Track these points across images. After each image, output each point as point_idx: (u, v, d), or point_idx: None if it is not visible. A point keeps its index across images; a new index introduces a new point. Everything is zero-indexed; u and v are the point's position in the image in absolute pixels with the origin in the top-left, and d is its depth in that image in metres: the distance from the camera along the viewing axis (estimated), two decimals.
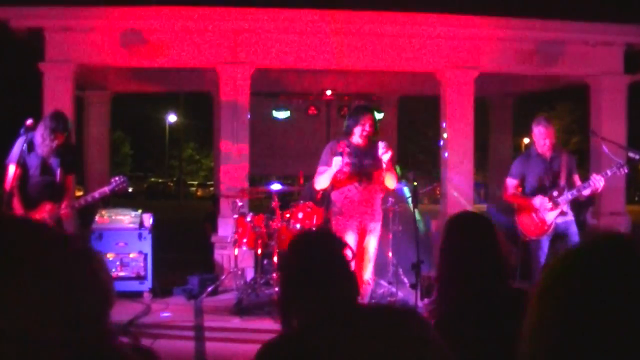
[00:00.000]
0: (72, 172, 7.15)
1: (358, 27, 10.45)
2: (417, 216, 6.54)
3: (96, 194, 6.97)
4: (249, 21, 10.29)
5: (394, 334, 2.25)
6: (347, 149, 6.75)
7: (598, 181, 7.03)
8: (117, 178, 7.08)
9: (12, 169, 6.59)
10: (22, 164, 6.64)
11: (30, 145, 6.72)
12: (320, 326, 2.26)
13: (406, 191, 9.40)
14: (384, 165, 6.74)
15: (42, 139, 6.70)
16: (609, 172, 7.08)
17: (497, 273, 3.03)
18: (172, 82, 14.18)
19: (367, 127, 6.83)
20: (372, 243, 6.89)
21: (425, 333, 2.29)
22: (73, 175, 7.28)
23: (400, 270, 9.20)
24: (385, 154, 6.66)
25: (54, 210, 6.69)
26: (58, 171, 6.81)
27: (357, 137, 6.88)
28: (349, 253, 2.49)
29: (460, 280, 3.04)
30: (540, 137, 7.31)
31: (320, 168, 6.99)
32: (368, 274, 6.90)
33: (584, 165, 13.67)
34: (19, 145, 6.62)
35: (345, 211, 6.85)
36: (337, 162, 6.66)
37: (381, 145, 6.69)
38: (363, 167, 6.83)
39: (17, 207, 6.55)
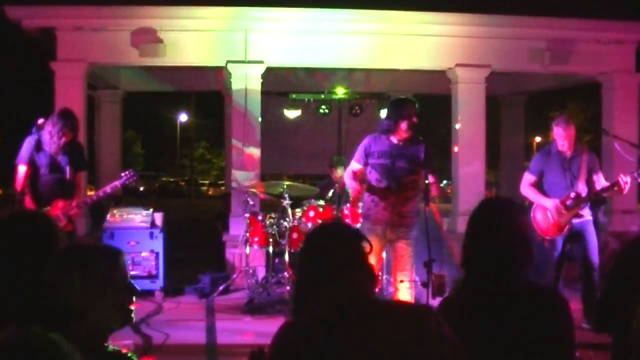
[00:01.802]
0: (81, 170, 7.20)
1: (369, 26, 10.45)
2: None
3: (108, 189, 7.05)
4: (261, 20, 10.30)
5: (408, 330, 2.25)
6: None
7: (625, 185, 6.94)
8: (127, 172, 7.19)
9: (22, 169, 6.65)
10: (31, 163, 6.69)
11: (39, 144, 6.75)
12: (334, 318, 2.26)
13: None
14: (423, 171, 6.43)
15: (49, 136, 6.75)
16: (630, 179, 6.95)
17: (514, 260, 2.80)
18: (183, 81, 14.21)
19: (414, 118, 6.48)
20: (403, 248, 6.51)
21: (440, 331, 2.28)
22: (83, 173, 7.32)
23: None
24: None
25: (66, 207, 6.74)
26: (67, 169, 6.85)
27: (404, 131, 6.49)
28: (366, 246, 2.46)
29: (478, 264, 2.84)
30: (559, 138, 7.24)
31: (352, 163, 6.81)
32: (403, 276, 6.51)
33: None
34: (27, 145, 6.68)
35: (372, 214, 6.59)
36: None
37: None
38: (394, 171, 6.49)
39: (30, 206, 6.58)
